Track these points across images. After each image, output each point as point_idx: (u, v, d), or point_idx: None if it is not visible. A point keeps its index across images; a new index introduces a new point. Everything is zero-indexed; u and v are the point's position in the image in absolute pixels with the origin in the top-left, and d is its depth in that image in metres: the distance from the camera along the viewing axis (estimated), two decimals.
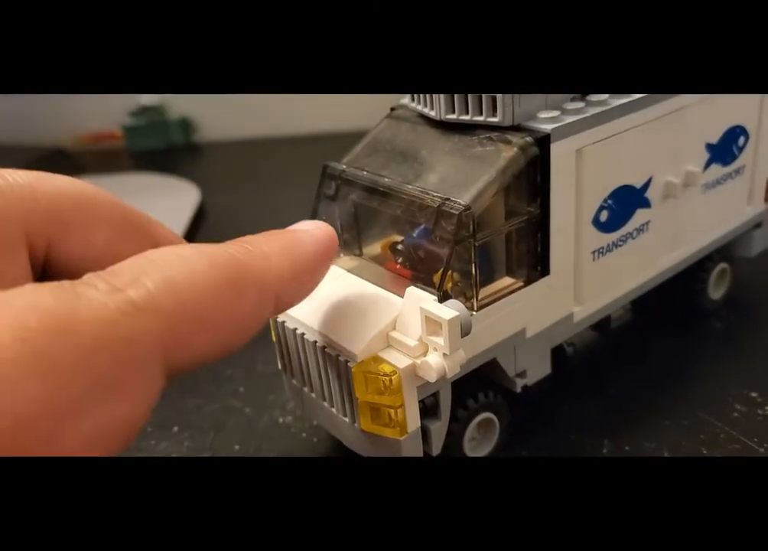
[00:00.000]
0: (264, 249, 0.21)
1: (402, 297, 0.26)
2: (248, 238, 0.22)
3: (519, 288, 0.29)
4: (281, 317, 0.29)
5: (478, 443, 0.30)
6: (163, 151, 0.84)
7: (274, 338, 0.30)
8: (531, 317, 0.29)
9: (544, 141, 0.27)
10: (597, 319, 0.33)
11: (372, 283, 0.28)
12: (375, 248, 0.31)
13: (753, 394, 0.34)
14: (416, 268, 0.28)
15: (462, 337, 0.24)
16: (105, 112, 0.84)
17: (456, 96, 0.28)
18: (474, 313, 0.27)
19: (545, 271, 0.29)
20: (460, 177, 0.27)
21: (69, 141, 0.84)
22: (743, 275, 0.43)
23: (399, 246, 0.29)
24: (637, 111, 0.30)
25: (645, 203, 0.32)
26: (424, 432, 0.27)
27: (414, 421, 0.26)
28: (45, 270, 0.20)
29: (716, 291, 0.40)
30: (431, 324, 0.24)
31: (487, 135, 0.28)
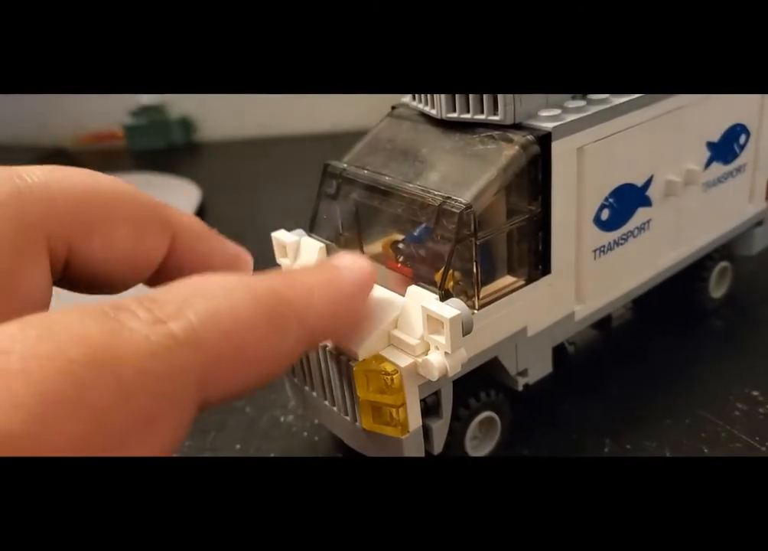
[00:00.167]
0: (307, 284, 0.21)
1: (404, 296, 0.26)
2: (290, 272, 0.22)
3: (520, 287, 0.28)
4: None
5: (479, 442, 0.30)
6: (163, 151, 0.84)
7: None
8: (532, 315, 0.29)
9: (545, 140, 0.27)
10: (598, 318, 0.33)
11: None
12: (376, 247, 0.31)
13: (755, 393, 0.34)
14: (417, 267, 0.28)
15: (463, 336, 0.24)
16: (105, 112, 0.84)
17: (457, 94, 0.28)
18: (475, 312, 0.27)
19: (546, 269, 0.29)
20: (461, 176, 0.27)
21: (69, 141, 0.84)
22: (744, 273, 0.43)
23: (400, 245, 0.29)
24: (638, 109, 0.30)
25: (647, 202, 0.32)
26: (426, 431, 0.27)
27: (415, 420, 0.26)
28: (66, 271, 0.20)
29: (717, 289, 0.40)
30: (433, 322, 0.24)
31: (488, 134, 0.28)
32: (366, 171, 0.30)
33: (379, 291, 0.28)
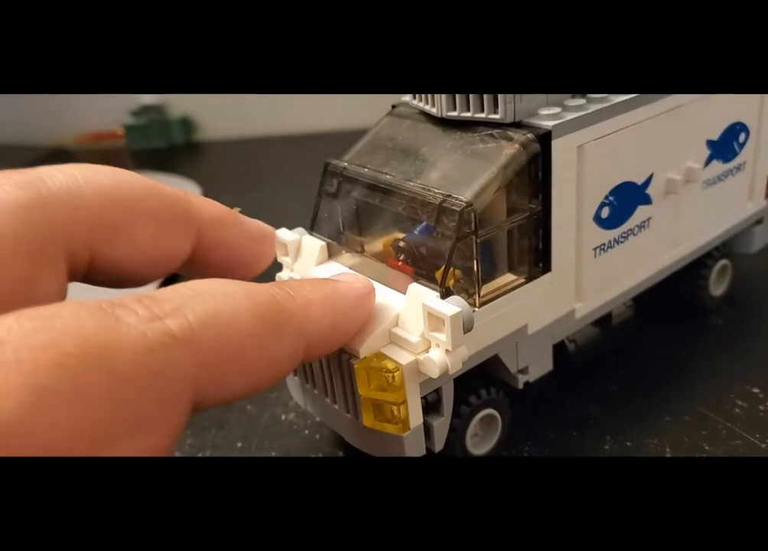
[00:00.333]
0: (307, 296, 0.21)
1: (404, 294, 0.26)
2: (292, 283, 0.22)
3: (521, 285, 0.29)
4: None
5: (480, 439, 0.30)
6: (164, 151, 0.84)
7: None
8: (533, 313, 0.30)
9: (545, 138, 0.27)
10: (598, 315, 0.33)
11: (374, 280, 0.28)
12: (377, 245, 0.31)
13: (755, 390, 0.34)
14: (418, 265, 0.28)
15: (464, 334, 0.24)
16: (105, 112, 0.84)
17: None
18: (476, 309, 0.27)
19: (546, 267, 0.29)
20: (461, 174, 0.27)
21: (69, 141, 0.84)
22: (744, 271, 0.43)
23: (401, 243, 0.29)
24: (638, 108, 0.30)
25: (647, 200, 0.32)
26: (427, 429, 0.27)
27: (416, 417, 0.26)
28: (88, 271, 0.20)
29: (717, 287, 0.40)
30: (434, 320, 0.24)
31: (489, 132, 0.28)
32: (366, 170, 0.30)
33: (379, 290, 0.28)
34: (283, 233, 0.31)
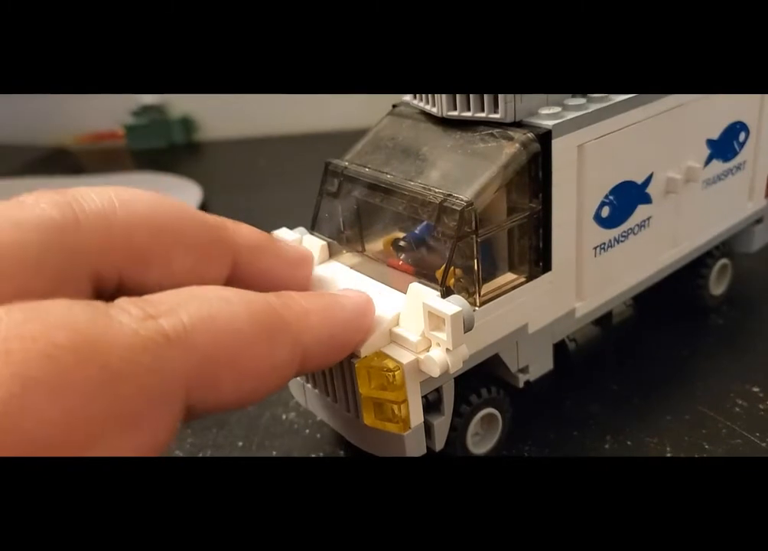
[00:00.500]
0: (304, 306, 0.21)
1: (405, 293, 0.26)
2: (290, 293, 0.22)
3: (521, 284, 0.29)
4: None
5: (481, 438, 0.30)
6: (164, 151, 0.84)
7: None
8: (533, 312, 0.30)
9: (545, 138, 0.27)
10: (598, 315, 0.33)
11: (375, 280, 0.28)
12: (377, 244, 0.31)
13: (755, 389, 0.34)
14: (418, 265, 0.28)
15: (465, 333, 0.25)
16: (105, 112, 0.84)
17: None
18: (477, 309, 0.27)
19: (546, 267, 0.29)
20: (462, 174, 0.27)
21: (69, 141, 0.84)
22: (744, 270, 0.43)
23: (402, 243, 0.29)
24: (638, 107, 0.30)
25: (647, 199, 0.33)
26: (427, 428, 0.27)
27: (417, 416, 0.26)
28: (117, 294, 0.19)
29: (717, 286, 0.40)
30: (434, 319, 0.25)
31: (489, 132, 0.28)
32: (367, 169, 0.30)
33: (380, 289, 0.28)
34: (284, 233, 0.31)
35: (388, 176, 0.29)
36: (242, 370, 0.18)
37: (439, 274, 0.26)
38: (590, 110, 0.28)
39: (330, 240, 0.31)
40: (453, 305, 0.24)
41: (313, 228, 0.32)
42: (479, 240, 0.26)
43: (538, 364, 0.31)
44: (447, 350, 0.24)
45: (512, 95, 0.27)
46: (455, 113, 0.29)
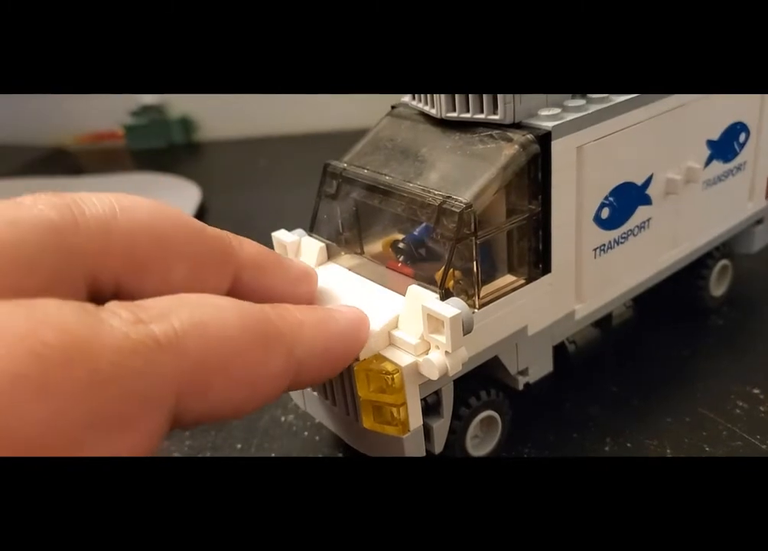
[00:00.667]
0: (299, 317, 0.21)
1: (404, 295, 0.26)
2: (285, 304, 0.21)
3: (521, 286, 0.28)
4: None
5: (480, 441, 0.30)
6: (164, 151, 0.84)
7: None
8: (532, 314, 0.29)
9: (545, 139, 0.27)
10: (598, 316, 0.33)
11: (374, 282, 0.28)
12: (376, 246, 0.31)
13: (756, 391, 0.34)
14: (417, 267, 0.28)
15: (464, 335, 0.24)
16: (105, 112, 0.84)
17: (457, 94, 0.28)
18: (476, 311, 0.27)
19: (546, 268, 0.29)
20: (461, 175, 0.27)
21: (69, 141, 0.84)
22: (745, 271, 0.43)
23: (400, 245, 0.29)
24: (638, 108, 0.30)
25: (647, 200, 0.32)
26: (427, 430, 0.27)
27: (416, 419, 0.26)
28: (114, 299, 0.19)
29: (717, 288, 0.40)
30: (433, 322, 0.24)
31: (488, 133, 0.28)
32: (366, 171, 0.30)
33: (379, 291, 0.28)
34: (282, 235, 0.31)
35: (387, 177, 0.29)
36: (233, 377, 0.18)
37: (438, 276, 0.26)
38: (589, 111, 0.28)
39: (328, 242, 0.31)
40: (452, 308, 0.24)
41: (311, 229, 0.32)
42: (478, 242, 0.26)
43: (537, 366, 0.31)
44: (446, 352, 0.24)
45: (512, 96, 0.27)
46: (454, 114, 0.28)
